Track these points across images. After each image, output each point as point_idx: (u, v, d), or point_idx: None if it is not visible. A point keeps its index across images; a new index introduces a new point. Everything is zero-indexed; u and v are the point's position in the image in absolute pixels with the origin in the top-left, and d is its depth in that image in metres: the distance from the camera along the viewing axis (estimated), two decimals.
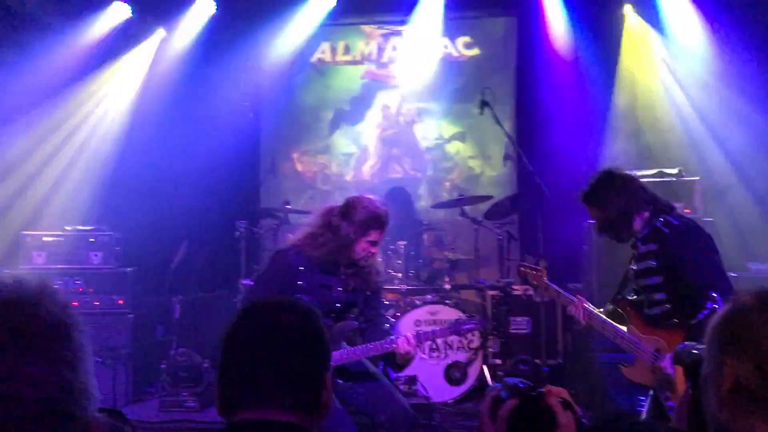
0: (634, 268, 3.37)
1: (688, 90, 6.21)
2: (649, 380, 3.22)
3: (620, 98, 6.38)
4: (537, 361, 5.22)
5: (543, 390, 1.40)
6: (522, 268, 3.99)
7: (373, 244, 3.38)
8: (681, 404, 1.51)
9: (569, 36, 6.60)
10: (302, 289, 3.32)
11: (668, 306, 3.23)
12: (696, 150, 5.76)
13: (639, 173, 5.21)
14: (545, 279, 3.73)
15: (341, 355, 3.28)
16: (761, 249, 5.21)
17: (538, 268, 3.86)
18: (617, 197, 3.30)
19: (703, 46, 6.09)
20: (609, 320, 3.38)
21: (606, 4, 6.63)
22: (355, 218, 3.34)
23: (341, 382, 3.31)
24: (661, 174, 5.16)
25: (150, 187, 6.27)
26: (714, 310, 2.85)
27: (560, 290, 3.65)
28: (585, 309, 3.44)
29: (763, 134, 5.30)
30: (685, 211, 5.00)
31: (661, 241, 3.21)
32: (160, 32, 6.78)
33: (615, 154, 6.21)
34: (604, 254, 5.02)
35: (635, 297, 3.41)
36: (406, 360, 3.31)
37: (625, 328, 3.31)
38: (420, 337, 3.33)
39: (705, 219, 5.00)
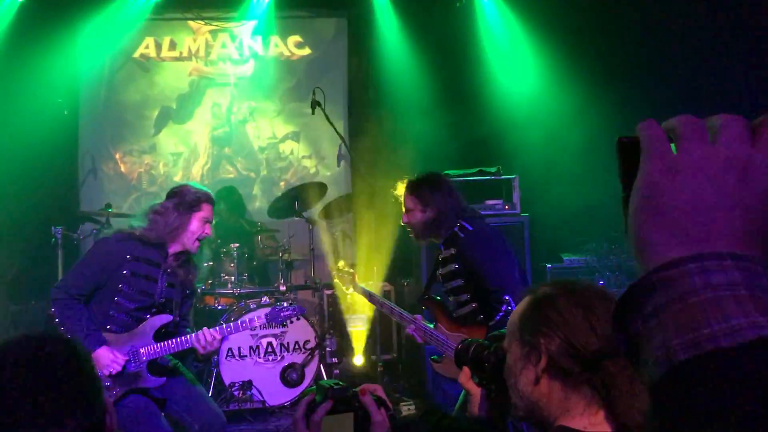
0: (441, 271, 3.44)
1: (512, 89, 6.59)
2: (456, 374, 3.34)
3: (446, 97, 6.64)
4: (372, 357, 5.30)
5: (356, 389, 1.43)
6: (336, 273, 4.04)
7: (207, 221, 3.34)
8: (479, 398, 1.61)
9: (399, 36, 6.77)
10: (124, 278, 3.21)
11: (474, 305, 3.34)
12: (514, 148, 6.13)
13: (461, 171, 5.52)
14: (356, 280, 3.90)
15: (148, 351, 3.25)
16: (574, 243, 5.64)
17: (350, 271, 3.95)
18: (441, 198, 3.36)
19: (521, 54, 6.51)
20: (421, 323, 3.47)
21: (431, 8, 6.86)
22: (186, 198, 3.32)
23: (153, 377, 3.27)
24: (481, 172, 5.44)
25: None
26: (508, 312, 3.04)
27: (372, 293, 3.82)
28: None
29: (586, 133, 5.70)
30: (505, 207, 5.34)
31: (458, 246, 3.31)
32: None
33: (440, 151, 6.46)
34: (431, 252, 5.20)
35: (442, 299, 3.53)
36: (209, 354, 3.34)
37: (431, 326, 3.42)
38: (223, 331, 3.34)
39: (522, 214, 5.36)
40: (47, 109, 6.17)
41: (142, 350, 3.24)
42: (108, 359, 3.12)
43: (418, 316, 3.49)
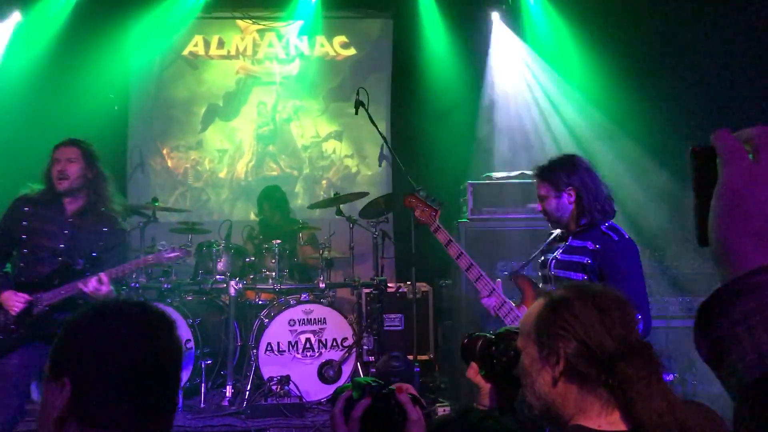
0: (558, 257, 3.20)
1: (549, 95, 6.55)
2: None
3: (487, 100, 6.63)
4: (409, 356, 5.32)
5: (393, 387, 1.45)
6: (411, 199, 3.60)
7: (57, 161, 3.57)
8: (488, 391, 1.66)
9: (443, 38, 6.78)
10: (25, 229, 3.50)
11: None
12: (553, 152, 6.10)
13: (503, 174, 5.49)
14: (437, 221, 3.50)
15: (48, 296, 3.43)
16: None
17: (433, 206, 3.54)
18: (579, 181, 3.16)
19: (566, 57, 6.46)
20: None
21: (476, 10, 6.86)
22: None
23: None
24: (523, 175, 5.41)
25: (3, 185, 5.82)
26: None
27: (452, 240, 3.45)
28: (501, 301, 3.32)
29: (616, 141, 5.66)
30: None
31: (604, 245, 3.09)
32: (15, 16, 6.31)
33: (484, 153, 6.45)
34: (471, 252, 5.19)
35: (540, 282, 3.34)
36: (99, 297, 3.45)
37: (515, 303, 3.29)
38: (111, 273, 3.42)
39: None
40: (99, 104, 6.34)
41: (43, 295, 3.44)
42: (12, 300, 3.40)
43: (498, 282, 3.36)
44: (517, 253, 5.21)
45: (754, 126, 0.62)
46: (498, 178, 5.48)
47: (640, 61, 5.88)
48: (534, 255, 3.47)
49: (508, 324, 3.21)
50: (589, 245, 3.10)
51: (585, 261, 3.11)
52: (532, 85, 6.72)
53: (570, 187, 3.13)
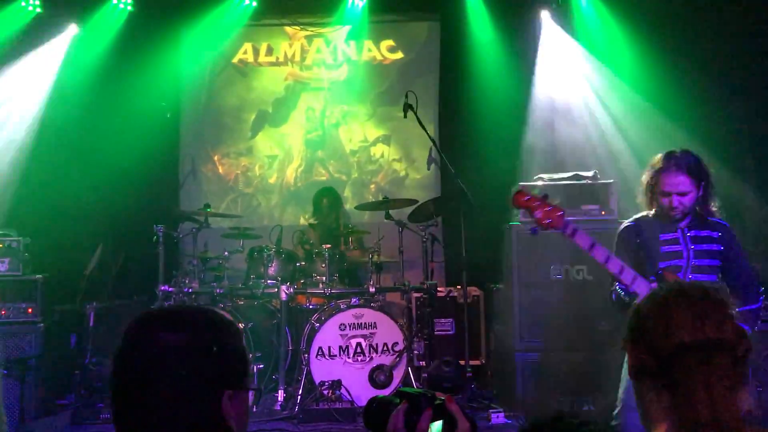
0: (693, 248, 3.28)
1: (603, 97, 6.42)
2: None
3: (538, 102, 6.52)
4: (460, 362, 5.26)
5: (443, 398, 1.45)
6: (523, 198, 3.16)
7: None
8: None
9: (491, 39, 6.70)
10: None
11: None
12: (609, 153, 5.96)
13: (557, 175, 5.39)
14: (562, 220, 3.13)
15: None
16: None
17: (557, 206, 3.15)
18: (708, 173, 3.32)
19: (619, 56, 6.31)
20: None
21: (525, 11, 6.76)
22: None
23: None
24: (577, 177, 5.30)
25: (62, 191, 5.99)
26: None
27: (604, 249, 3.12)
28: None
29: (685, 136, 5.48)
30: (602, 213, 5.17)
31: (725, 233, 3.31)
32: (71, 28, 6.49)
33: (533, 156, 6.35)
34: (523, 256, 5.13)
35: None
36: None
37: None
38: None
39: (621, 220, 5.17)
40: (152, 112, 6.46)
41: None
42: None
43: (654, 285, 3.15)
44: (570, 256, 5.11)
45: None
46: (549, 180, 5.38)
47: (693, 59, 5.70)
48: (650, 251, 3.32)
49: None
50: (714, 234, 3.30)
51: (718, 248, 3.28)
52: (583, 85, 6.58)
53: (703, 183, 3.27)
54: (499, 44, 6.67)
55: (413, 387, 4.94)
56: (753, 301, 3.28)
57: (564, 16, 6.69)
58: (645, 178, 3.36)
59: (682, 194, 3.23)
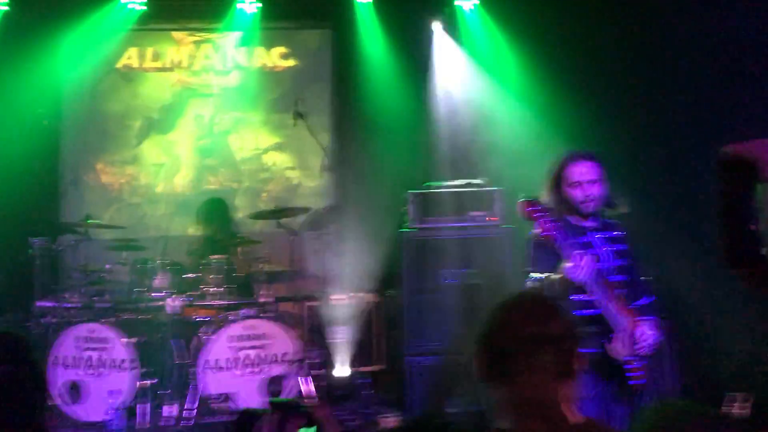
0: (606, 250, 3.33)
1: (489, 105, 6.61)
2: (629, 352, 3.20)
3: (429, 110, 6.65)
4: (356, 368, 5.27)
5: (313, 405, 1.50)
6: (529, 208, 3.04)
7: None
8: None
9: (383, 48, 6.78)
10: None
11: (625, 289, 3.30)
12: (496, 162, 6.14)
13: (444, 183, 5.52)
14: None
15: None
16: None
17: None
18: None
19: (504, 66, 6.53)
20: None
21: (417, 20, 6.88)
22: None
23: None
24: (468, 184, 5.44)
25: None
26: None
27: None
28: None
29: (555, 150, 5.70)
30: (487, 219, 5.33)
31: (623, 231, 3.38)
32: None
33: (429, 163, 6.46)
34: (414, 262, 5.21)
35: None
36: None
37: None
38: None
39: (506, 226, 5.34)
40: (28, 120, 6.13)
41: None
42: None
43: None
44: (460, 261, 5.24)
45: None
46: (439, 187, 5.49)
47: (571, 67, 5.96)
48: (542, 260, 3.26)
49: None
50: (619, 234, 3.34)
51: (625, 248, 3.32)
52: (473, 95, 6.75)
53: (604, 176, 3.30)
54: (392, 53, 6.75)
55: (310, 396, 4.90)
56: (639, 296, 3.34)
57: (453, 27, 6.86)
58: (549, 178, 3.34)
59: (592, 182, 3.25)
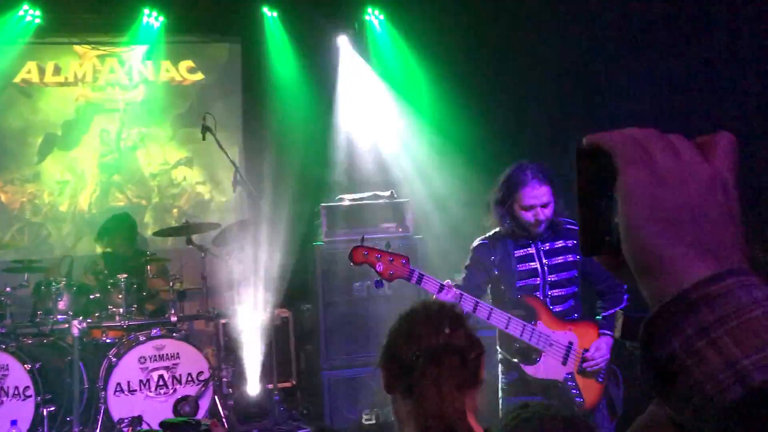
0: (547, 262, 3.30)
1: (394, 119, 6.74)
2: (557, 374, 3.18)
3: (338, 124, 6.72)
4: (269, 385, 5.24)
5: (209, 423, 1.48)
6: (364, 252, 3.03)
7: None
8: None
9: (292, 62, 6.80)
10: None
11: (575, 301, 3.30)
12: (402, 174, 6.27)
13: (357, 195, 5.59)
14: (408, 268, 3.01)
15: None
16: (458, 264, 5.76)
17: (400, 254, 3.07)
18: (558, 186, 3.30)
19: (411, 81, 6.67)
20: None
21: (325, 34, 6.94)
22: None
23: None
24: (375, 196, 5.52)
25: None
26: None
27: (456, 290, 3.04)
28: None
29: (461, 168, 5.83)
30: (399, 230, 5.43)
31: (575, 240, 3.27)
32: None
33: (337, 176, 6.52)
34: (327, 275, 5.25)
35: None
36: None
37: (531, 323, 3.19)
38: None
39: (415, 237, 5.47)
40: None
41: None
42: None
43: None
44: (373, 274, 5.29)
45: (644, 128, 0.58)
46: (350, 200, 5.56)
47: (475, 81, 6.12)
48: (507, 271, 3.29)
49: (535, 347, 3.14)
50: (569, 243, 3.25)
51: (571, 259, 3.25)
52: (379, 110, 6.87)
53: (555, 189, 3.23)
54: (301, 67, 6.79)
55: (218, 416, 4.85)
56: (618, 302, 3.28)
57: (361, 42, 6.96)
58: (496, 195, 3.25)
59: (545, 205, 3.17)
